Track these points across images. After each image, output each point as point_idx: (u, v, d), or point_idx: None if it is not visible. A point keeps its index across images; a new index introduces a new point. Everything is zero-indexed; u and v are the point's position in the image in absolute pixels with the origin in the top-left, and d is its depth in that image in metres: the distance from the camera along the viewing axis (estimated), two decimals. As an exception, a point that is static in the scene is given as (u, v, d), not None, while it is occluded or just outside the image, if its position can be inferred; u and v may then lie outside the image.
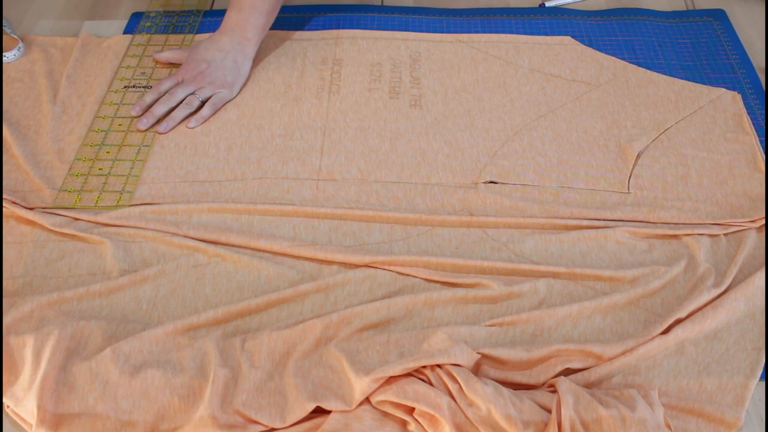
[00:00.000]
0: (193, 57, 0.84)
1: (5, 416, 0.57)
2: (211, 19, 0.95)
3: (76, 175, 0.75)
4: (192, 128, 0.80)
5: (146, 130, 0.80)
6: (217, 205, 0.71)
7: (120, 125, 0.80)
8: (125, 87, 0.85)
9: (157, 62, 0.88)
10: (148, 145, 0.78)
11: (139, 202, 0.72)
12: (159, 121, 0.81)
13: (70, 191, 0.73)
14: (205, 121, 0.81)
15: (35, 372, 0.56)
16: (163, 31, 0.93)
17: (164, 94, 0.82)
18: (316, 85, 0.86)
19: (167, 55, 0.87)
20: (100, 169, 0.76)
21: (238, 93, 0.84)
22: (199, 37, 0.93)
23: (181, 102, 0.82)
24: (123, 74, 0.87)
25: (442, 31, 0.93)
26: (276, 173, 0.75)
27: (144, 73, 0.87)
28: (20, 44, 0.89)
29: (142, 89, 0.85)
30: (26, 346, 0.58)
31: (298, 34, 0.93)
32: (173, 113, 0.81)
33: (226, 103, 0.83)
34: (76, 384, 0.56)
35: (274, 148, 0.78)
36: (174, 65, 0.88)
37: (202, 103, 0.82)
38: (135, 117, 0.81)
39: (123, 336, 0.60)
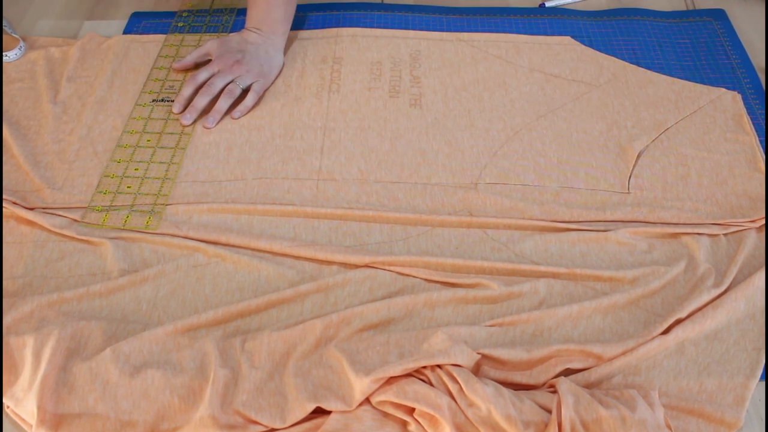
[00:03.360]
0: (226, 49, 0.84)
1: (5, 416, 0.57)
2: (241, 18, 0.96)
3: (105, 193, 0.73)
4: (236, 119, 0.81)
5: (190, 124, 0.80)
6: (217, 206, 0.71)
7: (149, 141, 0.78)
8: (153, 101, 0.83)
9: (179, 71, 0.87)
10: (177, 163, 0.76)
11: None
12: (202, 114, 0.81)
13: (98, 210, 0.71)
14: (249, 111, 0.82)
15: (35, 372, 0.56)
16: (197, 30, 0.93)
17: (201, 86, 0.82)
18: (316, 84, 0.86)
19: (191, 57, 0.86)
20: (128, 186, 0.73)
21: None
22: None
23: (221, 92, 0.81)
24: (150, 87, 0.85)
25: (442, 30, 0.93)
26: (276, 173, 0.75)
27: (172, 87, 0.85)
28: (21, 44, 0.89)
29: (170, 102, 0.83)
30: (26, 347, 0.58)
31: (297, 32, 0.93)
32: (216, 106, 0.81)
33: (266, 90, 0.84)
34: (76, 384, 0.56)
35: (274, 149, 0.78)
36: (199, 65, 0.87)
37: (243, 92, 0.82)
38: (177, 113, 0.81)
39: (123, 336, 0.60)
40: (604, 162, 0.76)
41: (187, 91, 0.82)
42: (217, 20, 0.95)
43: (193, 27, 0.94)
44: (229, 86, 0.81)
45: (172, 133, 0.80)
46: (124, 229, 0.69)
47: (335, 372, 0.57)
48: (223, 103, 0.81)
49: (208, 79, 0.82)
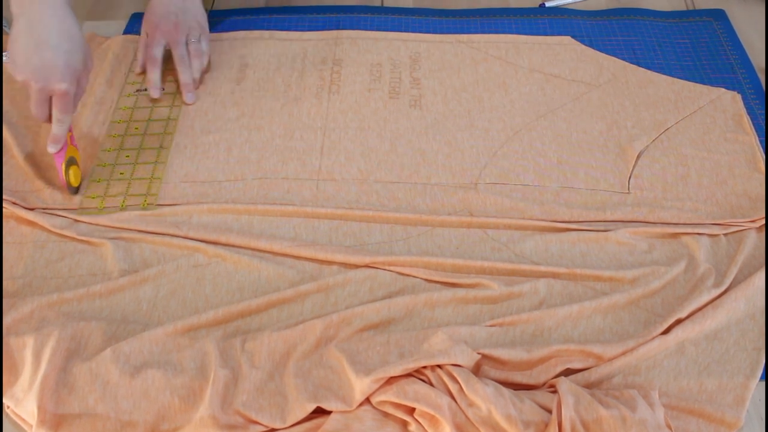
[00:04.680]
0: (159, 17, 0.84)
1: (5, 417, 0.57)
2: (214, 20, 0.95)
3: (98, 181, 0.74)
4: (197, 79, 0.84)
5: (159, 97, 0.82)
6: (217, 206, 0.71)
7: (137, 129, 0.80)
8: (137, 91, 0.85)
9: (142, 71, 0.86)
10: (166, 148, 0.78)
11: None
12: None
13: (93, 197, 0.73)
14: (206, 67, 0.85)
15: (35, 373, 0.56)
16: None
17: (163, 62, 0.84)
18: (315, 85, 0.86)
19: (141, 54, 0.86)
20: (121, 173, 0.75)
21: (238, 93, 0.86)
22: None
23: (188, 54, 0.83)
24: (133, 79, 0.86)
25: (441, 32, 0.93)
26: (276, 173, 0.75)
27: None
28: (20, 44, 0.89)
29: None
30: (26, 347, 0.58)
31: (297, 34, 0.93)
32: (180, 80, 0.82)
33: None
34: (77, 385, 0.56)
35: (274, 149, 0.78)
36: (165, 66, 0.86)
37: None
38: (154, 99, 0.83)
39: (123, 336, 0.60)
40: (604, 162, 0.76)
41: (154, 75, 0.83)
42: None
43: None
44: (193, 48, 0.83)
45: (158, 120, 0.81)
46: (123, 210, 0.71)
47: (335, 372, 0.57)
48: (184, 76, 0.82)
49: (164, 52, 0.84)
